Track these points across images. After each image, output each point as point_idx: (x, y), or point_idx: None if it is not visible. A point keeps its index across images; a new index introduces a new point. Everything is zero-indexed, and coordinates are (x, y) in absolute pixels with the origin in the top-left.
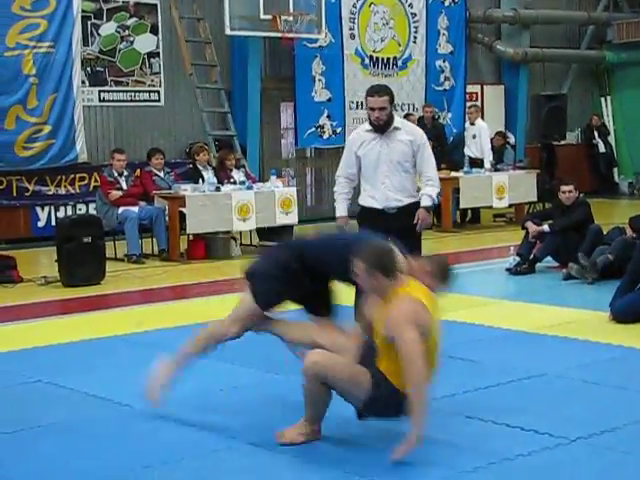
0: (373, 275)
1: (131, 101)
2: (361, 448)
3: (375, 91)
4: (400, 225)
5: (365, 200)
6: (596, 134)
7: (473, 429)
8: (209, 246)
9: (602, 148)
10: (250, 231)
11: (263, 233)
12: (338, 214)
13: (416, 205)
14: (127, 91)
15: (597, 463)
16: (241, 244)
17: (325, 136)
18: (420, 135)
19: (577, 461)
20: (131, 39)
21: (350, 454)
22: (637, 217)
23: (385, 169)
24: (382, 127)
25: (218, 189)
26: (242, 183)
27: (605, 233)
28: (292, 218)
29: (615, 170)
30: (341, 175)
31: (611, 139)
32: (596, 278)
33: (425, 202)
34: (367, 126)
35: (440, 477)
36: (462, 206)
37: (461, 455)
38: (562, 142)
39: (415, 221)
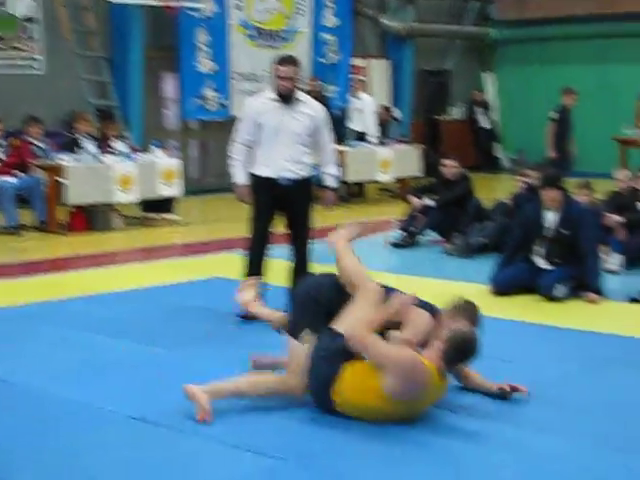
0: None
1: (7, 67)
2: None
3: (285, 60)
4: (292, 199)
5: (259, 169)
6: (478, 110)
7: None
8: (90, 218)
9: (483, 123)
10: (132, 203)
11: (146, 205)
12: (238, 182)
13: (310, 180)
14: (2, 57)
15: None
16: (123, 216)
17: (210, 108)
18: (322, 112)
19: (446, 442)
20: (5, 2)
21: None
22: (519, 195)
23: (284, 139)
24: (288, 97)
25: (99, 160)
26: (124, 154)
27: (491, 207)
28: (175, 190)
29: (496, 145)
30: (239, 141)
31: (494, 115)
32: (470, 257)
33: (331, 183)
34: (271, 94)
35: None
36: (347, 180)
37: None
38: (446, 117)
39: (323, 204)
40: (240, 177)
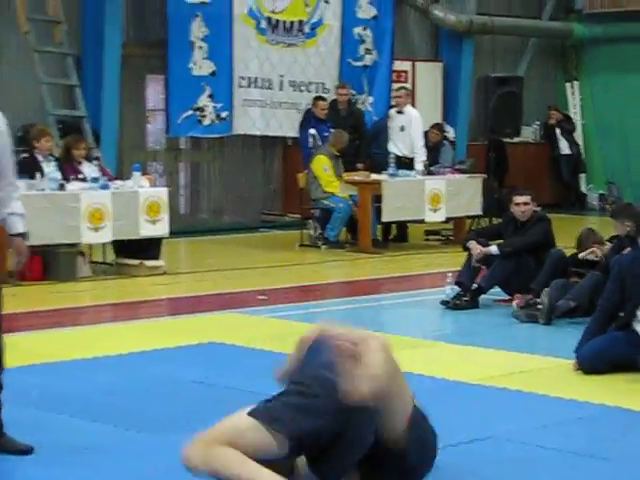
0: None
1: None
2: None
3: None
4: None
5: None
6: (558, 131)
7: None
8: (48, 263)
9: (566, 149)
10: (104, 244)
11: (122, 248)
12: None
13: None
14: None
15: None
16: (91, 261)
17: (206, 122)
18: (3, 121)
19: None
20: None
21: None
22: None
23: None
24: None
25: (62, 187)
26: (95, 180)
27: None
28: (161, 229)
29: (582, 177)
30: None
31: (578, 137)
32: (548, 323)
33: (20, 227)
34: None
35: None
36: (385, 219)
37: None
38: (516, 139)
39: (15, 260)
40: None
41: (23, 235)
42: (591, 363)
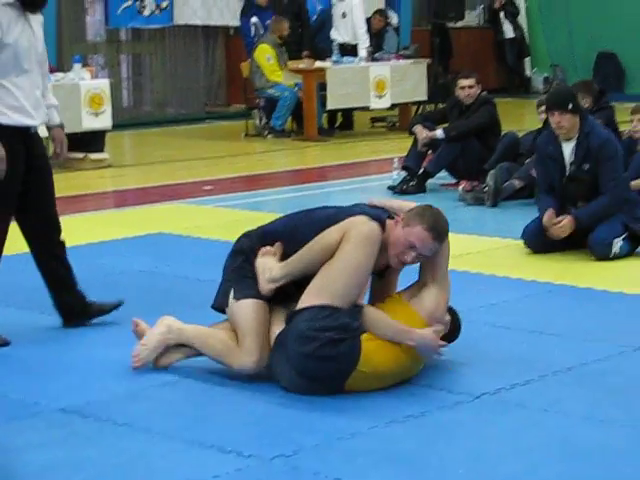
0: None
1: None
2: None
3: None
4: (40, 157)
5: (9, 114)
6: (502, 14)
7: None
8: None
9: (510, 33)
10: (47, 137)
11: None
12: None
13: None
14: None
15: (505, 424)
16: None
17: (146, 12)
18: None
19: (481, 422)
20: None
21: None
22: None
23: (36, 66)
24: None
25: None
26: None
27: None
28: (104, 121)
29: (527, 61)
30: None
31: (522, 21)
32: (494, 205)
33: (58, 118)
34: None
35: (315, 443)
36: (330, 107)
37: (340, 417)
38: (460, 24)
39: (58, 150)
40: None
41: (61, 126)
42: (536, 239)
